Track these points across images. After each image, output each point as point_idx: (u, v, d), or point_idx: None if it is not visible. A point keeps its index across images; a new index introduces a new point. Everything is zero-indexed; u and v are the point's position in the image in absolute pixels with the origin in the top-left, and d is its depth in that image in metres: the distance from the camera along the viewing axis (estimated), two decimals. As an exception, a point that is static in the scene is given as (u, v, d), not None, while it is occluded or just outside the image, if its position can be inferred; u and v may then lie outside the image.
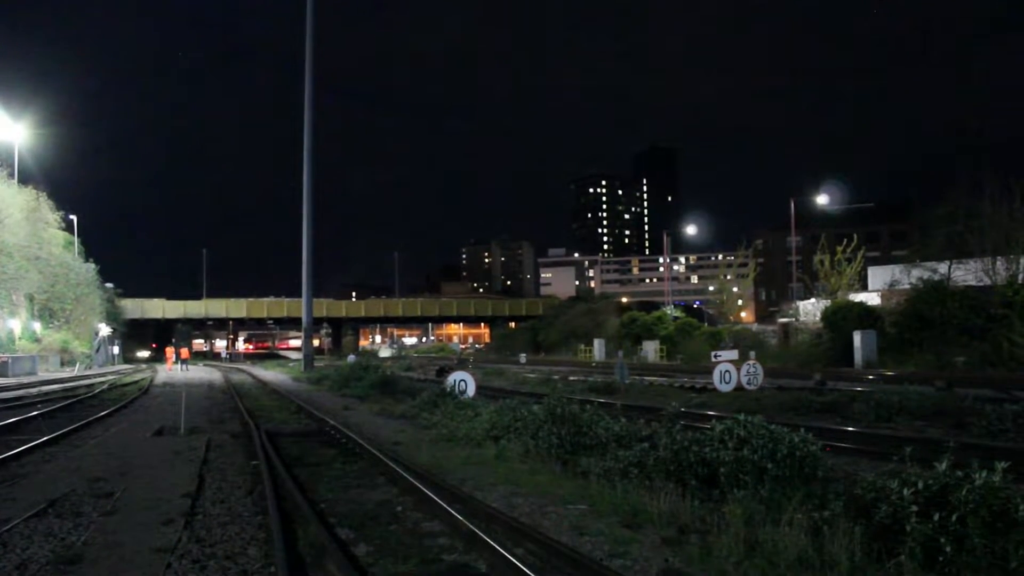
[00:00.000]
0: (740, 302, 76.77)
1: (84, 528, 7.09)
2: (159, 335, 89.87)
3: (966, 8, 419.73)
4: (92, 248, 70.50)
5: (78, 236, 67.63)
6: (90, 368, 52.21)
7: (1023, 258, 33.74)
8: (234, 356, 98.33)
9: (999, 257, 34.48)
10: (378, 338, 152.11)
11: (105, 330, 64.59)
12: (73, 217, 66.95)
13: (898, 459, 6.31)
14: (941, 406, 15.55)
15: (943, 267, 36.61)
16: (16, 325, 48.57)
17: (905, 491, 5.73)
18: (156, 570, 5.81)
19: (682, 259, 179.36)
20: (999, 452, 9.88)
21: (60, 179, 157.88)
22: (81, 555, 6.19)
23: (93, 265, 66.92)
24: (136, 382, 35.10)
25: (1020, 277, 33.22)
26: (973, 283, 34.94)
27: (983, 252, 35.31)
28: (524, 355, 62.02)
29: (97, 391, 27.44)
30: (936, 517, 5.43)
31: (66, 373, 44.03)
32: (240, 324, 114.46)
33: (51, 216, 59.80)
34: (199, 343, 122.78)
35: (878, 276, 49.00)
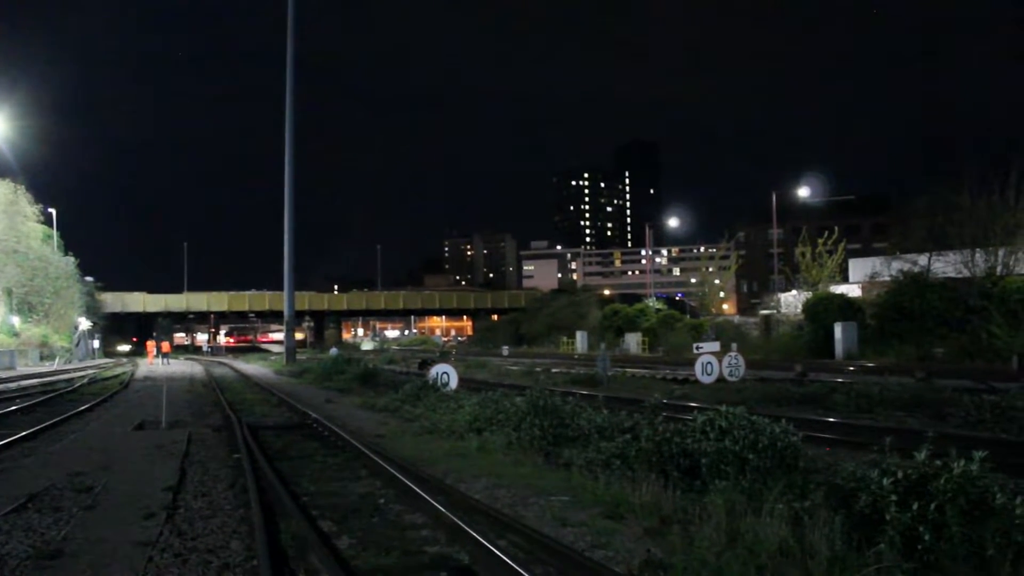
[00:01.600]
0: (722, 294, 77.10)
1: (64, 523, 7.04)
2: (140, 329, 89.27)
3: (955, 7, 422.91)
4: (71, 242, 70.01)
5: (57, 230, 67.06)
6: (70, 362, 51.79)
7: (1001, 250, 34.06)
8: (215, 349, 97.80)
9: (978, 249, 34.80)
10: (360, 331, 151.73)
11: (85, 324, 64.12)
12: (52, 210, 66.42)
13: (878, 449, 6.35)
14: (920, 397, 15.67)
15: (923, 259, 36.87)
16: (-6, 319, 48.11)
17: (885, 481, 5.77)
18: (138, 564, 5.78)
19: (664, 251, 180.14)
20: (977, 442, 9.98)
21: (39, 172, 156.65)
22: (61, 550, 6.15)
23: (72, 259, 66.36)
24: (117, 376, 34.85)
25: (999, 269, 33.55)
26: (952, 275, 35.20)
27: (962, 244, 35.58)
28: (507, 348, 62.09)
29: (77, 385, 27.24)
30: (915, 506, 5.47)
31: (46, 368, 43.67)
32: (222, 317, 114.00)
33: (29, 209, 59.19)
34: (180, 337, 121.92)
35: (859, 268, 49.32)
